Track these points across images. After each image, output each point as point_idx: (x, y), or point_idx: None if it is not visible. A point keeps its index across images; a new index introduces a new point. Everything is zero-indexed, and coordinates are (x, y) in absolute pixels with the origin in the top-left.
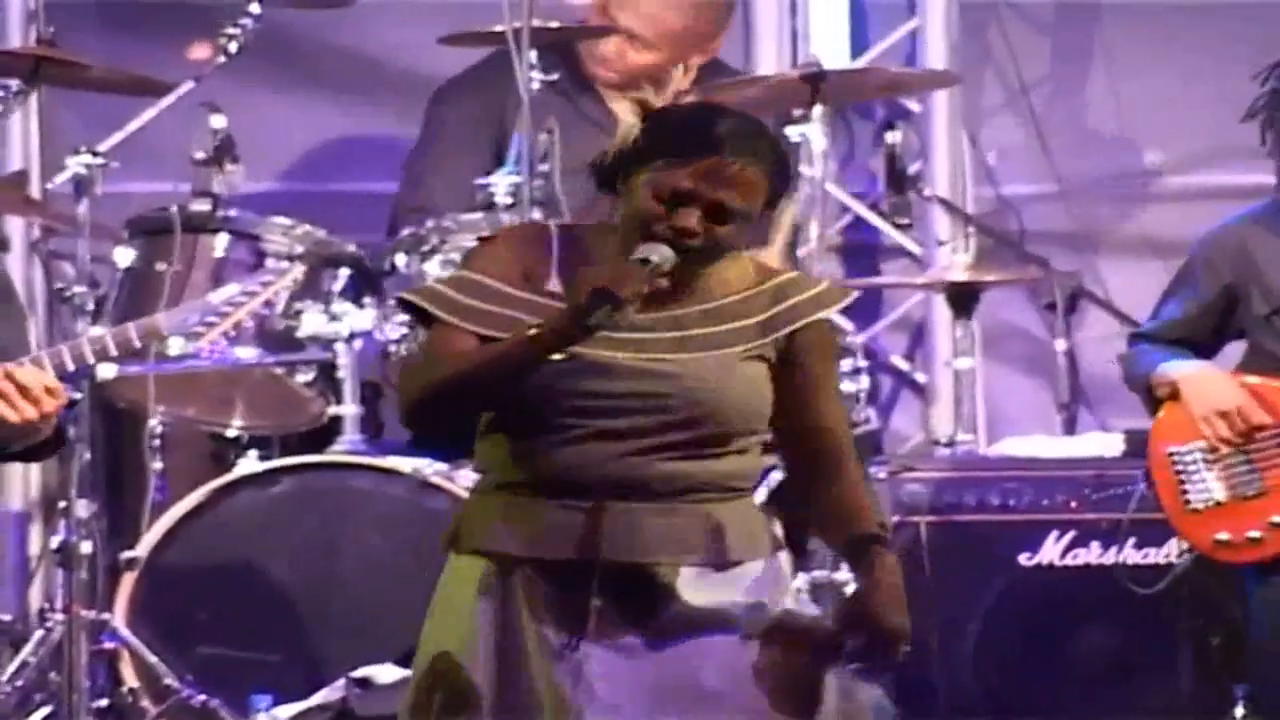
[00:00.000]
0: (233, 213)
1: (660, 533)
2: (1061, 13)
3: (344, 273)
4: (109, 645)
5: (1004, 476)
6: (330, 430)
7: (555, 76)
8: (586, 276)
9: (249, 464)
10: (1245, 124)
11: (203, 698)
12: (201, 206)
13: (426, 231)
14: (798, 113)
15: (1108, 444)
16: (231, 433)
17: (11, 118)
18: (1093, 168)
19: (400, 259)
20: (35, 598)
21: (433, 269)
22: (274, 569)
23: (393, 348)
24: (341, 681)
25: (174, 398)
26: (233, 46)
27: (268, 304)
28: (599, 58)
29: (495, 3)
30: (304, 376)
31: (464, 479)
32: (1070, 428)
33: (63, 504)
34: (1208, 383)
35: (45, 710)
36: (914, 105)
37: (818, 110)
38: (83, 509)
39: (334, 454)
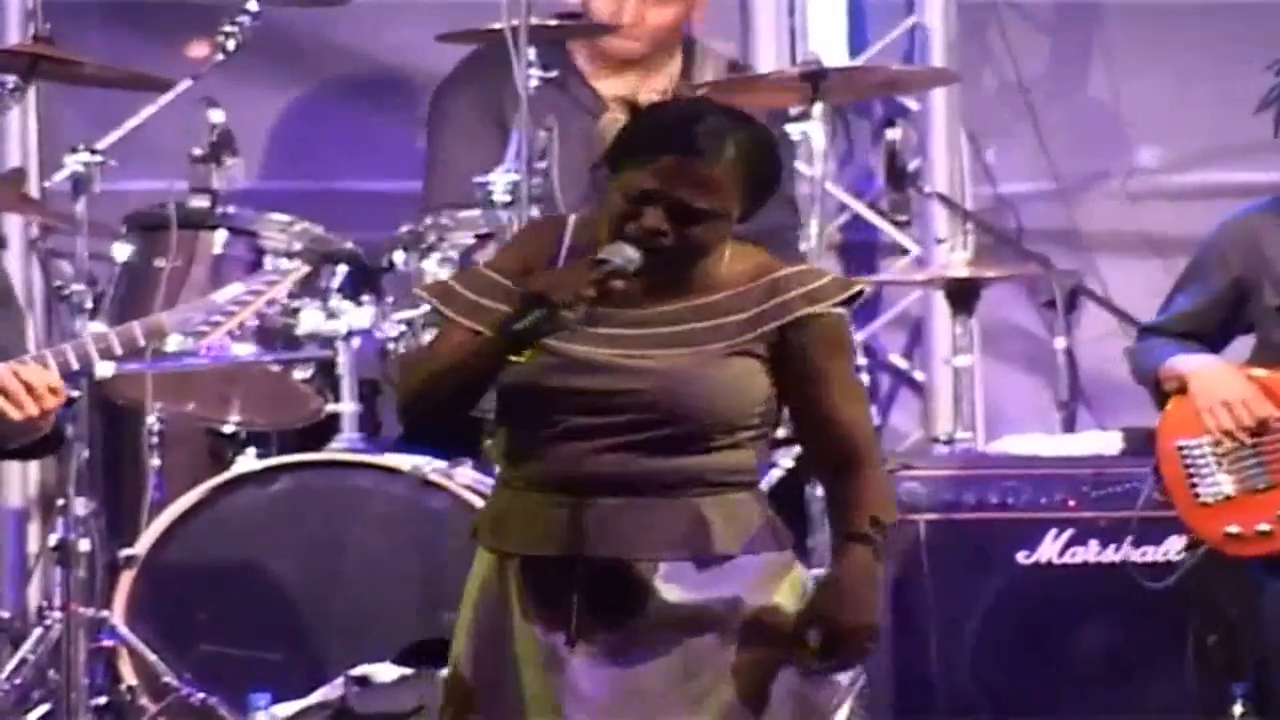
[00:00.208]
0: (231, 209)
1: (639, 529)
2: (1060, 11)
3: (342, 270)
4: (107, 643)
5: (1002, 474)
6: (328, 428)
7: (554, 74)
8: (530, 281)
9: (247, 462)
10: (1243, 123)
11: (201, 695)
12: (200, 203)
13: (424, 228)
14: (797, 111)
15: (1106, 442)
16: (230, 430)
17: (9, 115)
18: (1091, 166)
19: (398, 256)
20: (34, 595)
21: (430, 266)
22: (273, 567)
23: (391, 345)
24: (340, 679)
25: (172, 395)
26: (231, 44)
27: (270, 303)
28: (619, 33)
29: (493, 1)
30: (302, 374)
31: (463, 477)
32: (1069, 426)
33: (61, 502)
34: (1215, 376)
35: (44, 708)
36: (913, 103)
37: (817, 108)
38: (81, 507)
39: (332, 451)
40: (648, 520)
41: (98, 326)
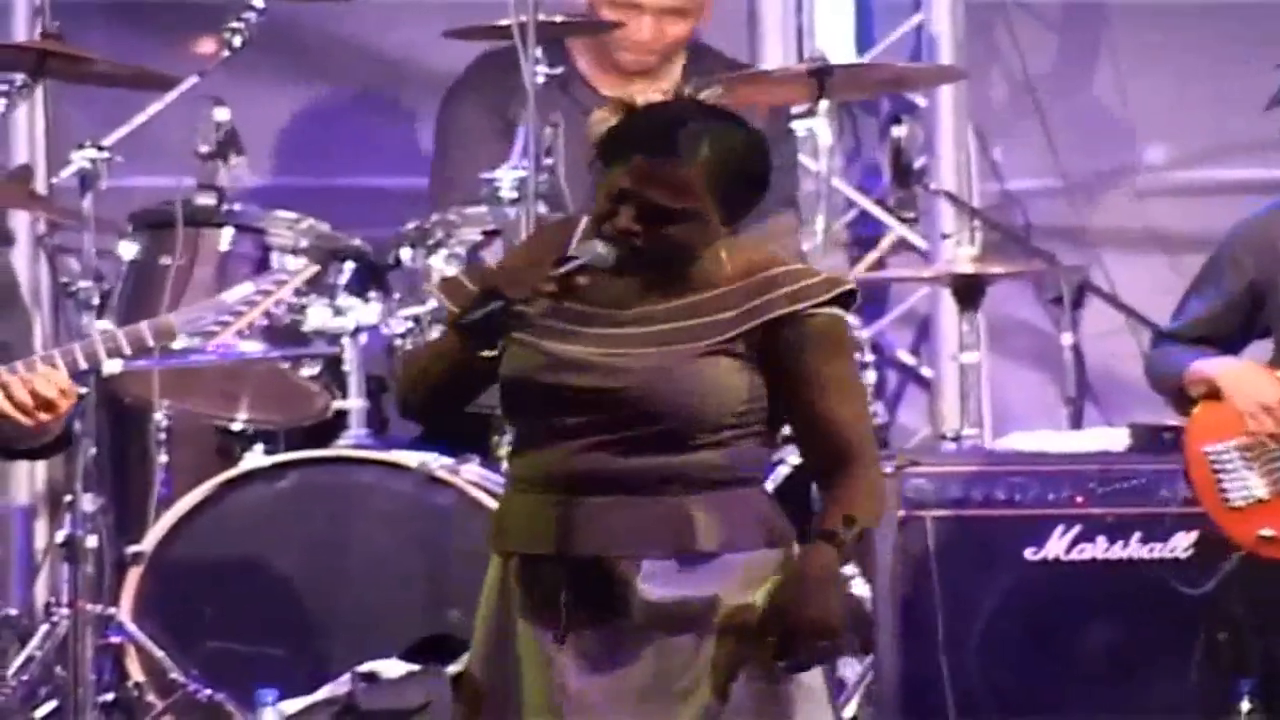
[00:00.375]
0: (237, 207)
1: (621, 527)
2: (1067, 9)
3: (349, 267)
4: (115, 640)
5: (1009, 471)
6: (335, 424)
7: (560, 70)
8: (489, 274)
9: (254, 458)
10: (1249, 120)
11: (208, 692)
12: (206, 200)
13: (431, 225)
14: (803, 108)
15: (1113, 438)
16: (237, 427)
17: (16, 112)
18: (1098, 163)
19: (405, 253)
20: (41, 592)
21: (438, 263)
22: (279, 563)
23: (398, 342)
24: (347, 676)
25: (179, 392)
26: (237, 41)
27: (278, 302)
28: (629, 44)
29: None
30: (309, 371)
31: (469, 473)
32: (1076, 422)
33: (68, 498)
34: (1249, 378)
35: (51, 704)
36: (919, 100)
37: (823, 105)
38: (88, 503)
39: (339, 448)
40: (630, 518)
41: (105, 324)
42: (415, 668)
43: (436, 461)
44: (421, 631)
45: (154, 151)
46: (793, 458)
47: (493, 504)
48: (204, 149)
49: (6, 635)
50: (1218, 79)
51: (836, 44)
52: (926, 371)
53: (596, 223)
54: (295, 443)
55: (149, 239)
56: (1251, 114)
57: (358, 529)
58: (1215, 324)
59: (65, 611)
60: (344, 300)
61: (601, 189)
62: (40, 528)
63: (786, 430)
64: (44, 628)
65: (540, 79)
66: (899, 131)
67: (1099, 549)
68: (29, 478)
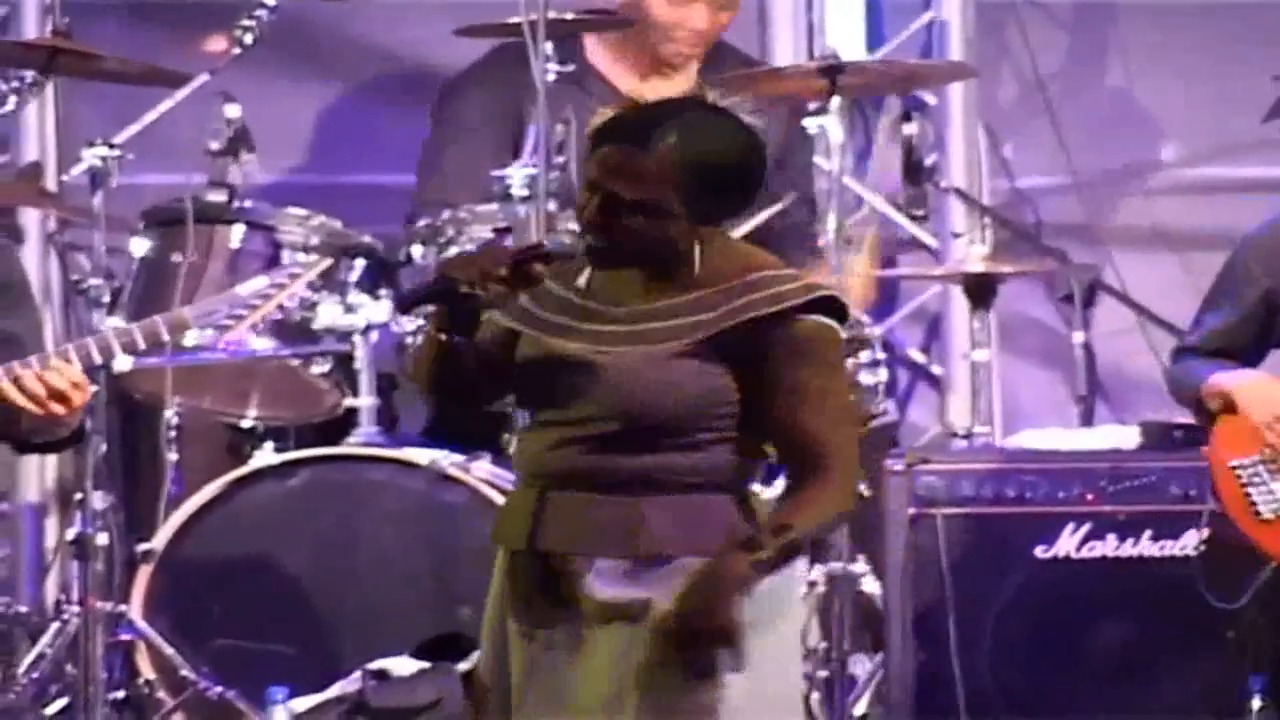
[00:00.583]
0: (248, 204)
1: (580, 524)
2: (1078, 8)
3: (360, 264)
4: (125, 637)
5: (1020, 469)
6: (346, 422)
7: (571, 68)
8: (448, 260)
9: (265, 456)
10: (1260, 119)
11: (219, 690)
12: (217, 198)
13: (442, 223)
14: (814, 105)
15: (1124, 436)
16: (247, 424)
17: (27, 109)
18: (1108, 161)
19: (416, 250)
20: (51, 590)
21: None
22: (290, 561)
23: (409, 339)
24: (358, 674)
25: (190, 390)
26: (248, 38)
27: (291, 296)
28: (683, 35)
29: None
30: (320, 368)
31: (480, 470)
32: (1086, 420)
33: (79, 496)
34: (1262, 390)
35: (62, 702)
36: (930, 98)
37: (835, 103)
38: (99, 501)
39: (350, 446)
40: (587, 516)
41: (116, 321)
42: (426, 665)
43: (447, 459)
44: (432, 629)
45: (165, 149)
46: None
47: (503, 501)
48: (215, 146)
49: (17, 633)
50: (1228, 78)
51: (848, 41)
52: (937, 369)
53: (577, 214)
54: (306, 440)
55: (160, 236)
56: (1262, 113)
57: (368, 527)
58: (1231, 336)
59: (76, 609)
60: (355, 297)
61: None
62: (51, 525)
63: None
64: (54, 625)
65: (551, 76)
66: (909, 129)
67: (1109, 547)
68: (39, 475)
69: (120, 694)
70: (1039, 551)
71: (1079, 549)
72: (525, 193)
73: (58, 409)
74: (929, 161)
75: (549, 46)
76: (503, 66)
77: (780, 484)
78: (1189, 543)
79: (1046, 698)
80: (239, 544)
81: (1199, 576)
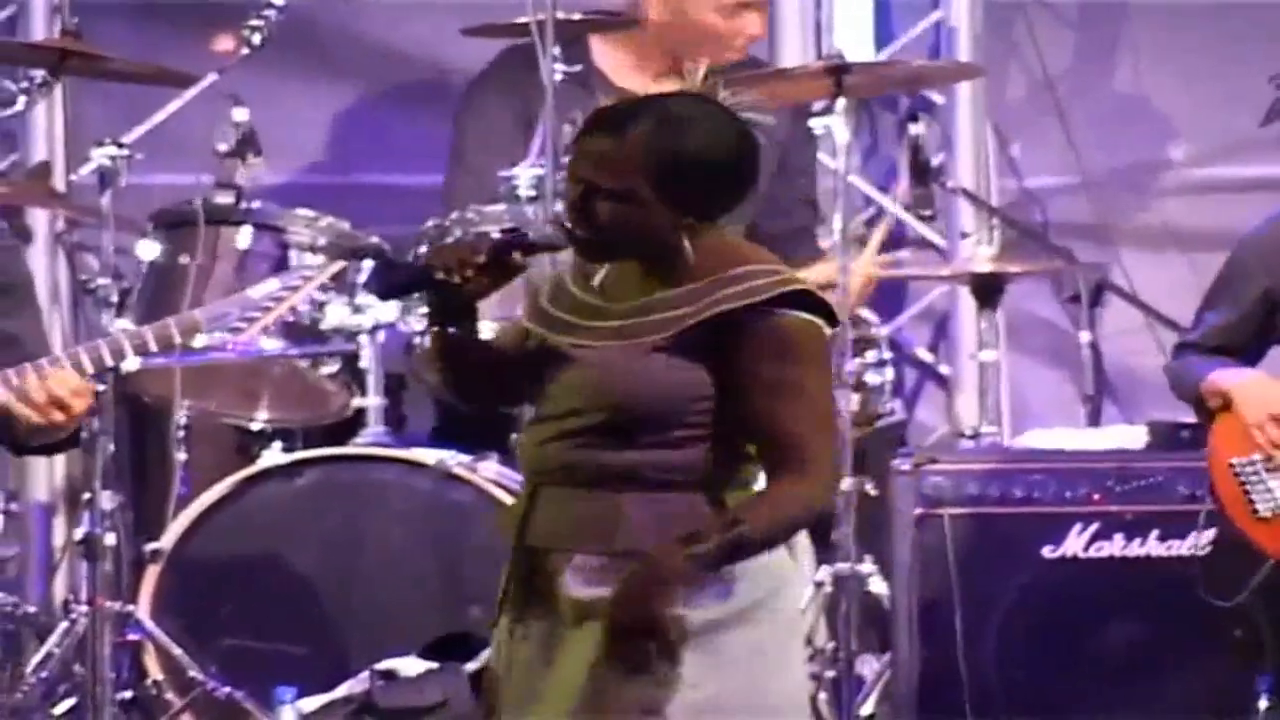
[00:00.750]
0: (256, 205)
1: (561, 520)
2: (1086, 7)
3: (368, 265)
4: (133, 637)
5: (1028, 469)
6: (354, 423)
7: (578, 68)
8: (433, 249)
9: (273, 456)
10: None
11: (227, 690)
12: (225, 199)
13: (450, 223)
14: (821, 105)
15: (1131, 436)
16: (256, 425)
17: (36, 110)
18: (1116, 160)
19: (424, 250)
20: (60, 589)
21: None
22: (298, 561)
23: (417, 340)
24: (365, 674)
25: (198, 390)
26: (256, 39)
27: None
28: (741, 42)
29: None
30: (328, 369)
31: (487, 470)
32: (1094, 420)
33: (87, 496)
34: (1258, 390)
35: (69, 702)
36: (938, 98)
37: (841, 103)
38: (107, 501)
39: (358, 446)
40: (570, 512)
41: (124, 322)
42: (433, 665)
43: (455, 459)
44: (440, 629)
45: (173, 149)
46: None
47: (511, 501)
48: (223, 147)
49: (25, 632)
50: (1237, 77)
51: (855, 41)
52: (945, 369)
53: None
54: (314, 441)
55: (168, 237)
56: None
57: (376, 527)
58: (1231, 334)
59: (84, 609)
60: (362, 298)
61: None
62: (59, 525)
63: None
64: (63, 625)
65: (559, 77)
66: (916, 129)
67: (1117, 546)
68: (48, 475)
69: (128, 694)
70: (1046, 551)
71: (1086, 549)
72: (533, 193)
73: (59, 416)
74: (936, 161)
75: (556, 47)
76: (515, 68)
77: None
78: (1196, 542)
79: (1053, 697)
80: (247, 544)
81: (1198, 575)
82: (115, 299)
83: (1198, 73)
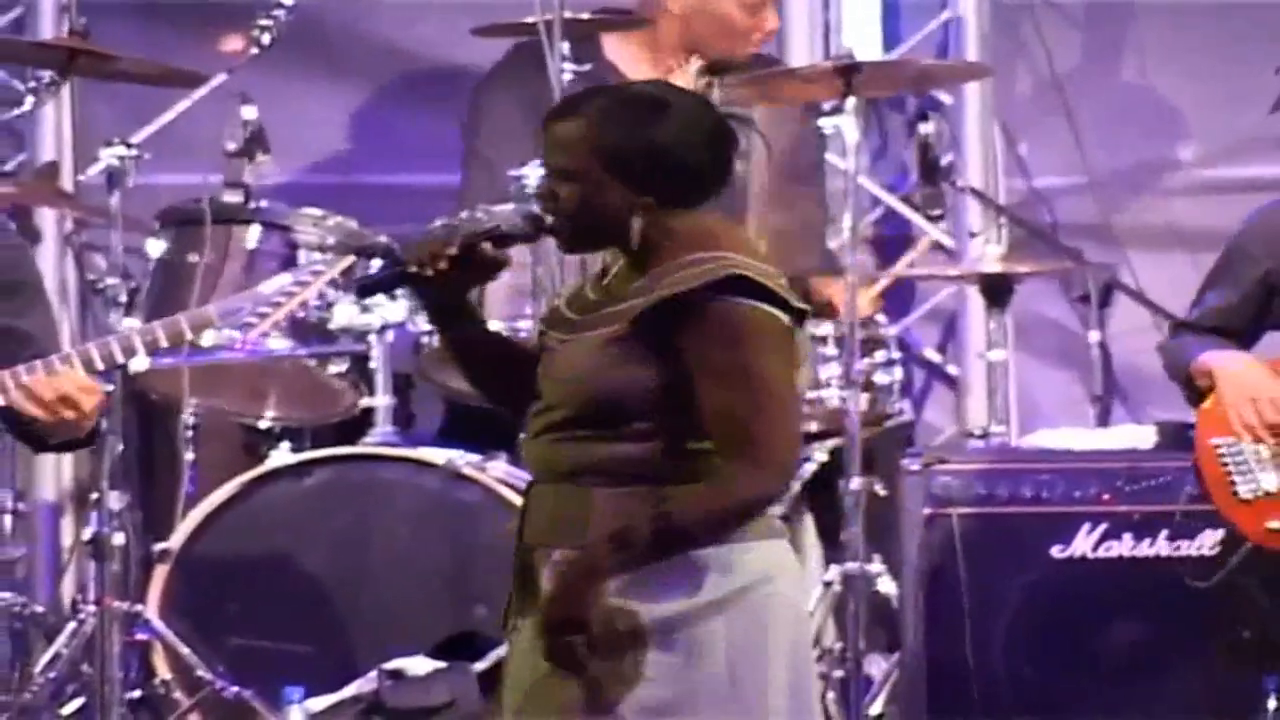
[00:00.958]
0: (264, 204)
1: (542, 516)
2: (1094, 6)
3: (376, 264)
4: (141, 637)
5: (1036, 468)
6: (362, 422)
7: (588, 67)
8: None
9: (281, 456)
10: (1276, 117)
11: (235, 689)
12: (233, 198)
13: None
14: (830, 105)
15: (1140, 436)
16: (264, 424)
17: (44, 109)
18: (1125, 160)
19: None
20: (68, 589)
21: None
22: (306, 561)
23: (425, 339)
24: (374, 673)
25: (207, 389)
26: (265, 38)
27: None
28: (761, 37)
29: None
30: (336, 368)
31: (496, 470)
32: (1103, 420)
33: (95, 495)
34: (1242, 372)
35: (78, 702)
36: (946, 97)
37: (850, 102)
38: (115, 500)
39: (366, 446)
40: (548, 508)
41: (133, 321)
42: (441, 665)
43: (463, 458)
44: (448, 629)
45: (181, 149)
46: (820, 454)
47: (518, 500)
48: (231, 146)
49: (34, 633)
50: (1244, 76)
51: (863, 41)
52: (953, 369)
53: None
54: (322, 440)
55: (176, 237)
56: None
57: (384, 526)
58: (1229, 315)
59: (92, 609)
60: (376, 297)
61: None
62: (67, 525)
63: (813, 427)
64: (71, 625)
65: (568, 76)
66: (925, 129)
67: (1125, 546)
68: (56, 475)
69: (136, 694)
70: (1055, 551)
71: (1095, 549)
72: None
73: (68, 414)
74: (945, 161)
75: (565, 46)
76: (525, 65)
77: (793, 484)
78: (1206, 543)
79: (1061, 697)
80: (255, 544)
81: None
82: (123, 299)
83: (1205, 72)
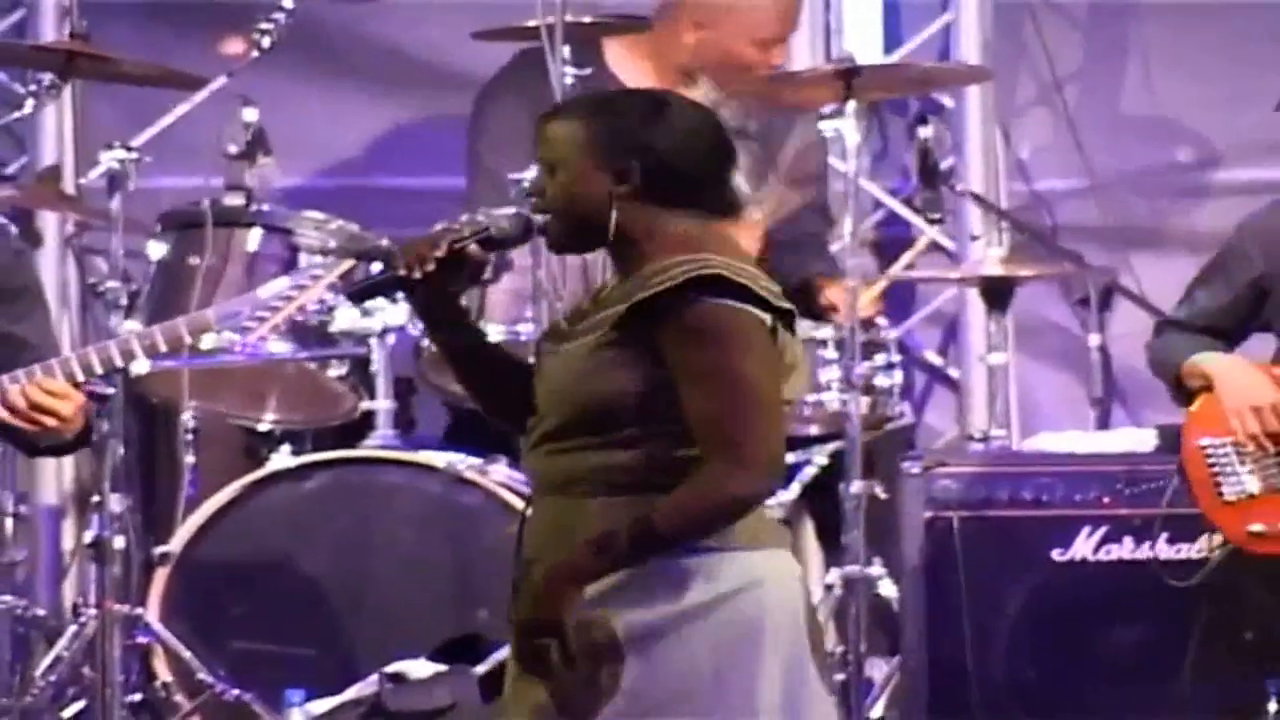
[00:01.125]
0: (265, 207)
1: (538, 528)
2: (1095, 8)
3: (377, 267)
4: (142, 640)
5: (1037, 472)
6: (363, 425)
7: (588, 71)
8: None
9: (282, 459)
10: (1277, 120)
11: (236, 692)
12: (234, 201)
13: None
14: (831, 108)
15: (1141, 439)
16: (264, 428)
17: (45, 112)
18: (1125, 163)
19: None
20: (69, 593)
21: None
22: (307, 564)
23: (425, 342)
24: (375, 676)
25: (207, 392)
26: (266, 41)
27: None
28: (762, 72)
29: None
30: (337, 371)
31: (497, 474)
32: (1103, 423)
33: (96, 499)
34: (1242, 377)
35: (79, 705)
36: (947, 100)
37: (851, 105)
38: (116, 504)
39: (367, 449)
40: (546, 520)
41: (133, 324)
42: (443, 668)
43: (464, 462)
44: (449, 632)
45: (182, 152)
46: (820, 458)
47: (520, 504)
48: (232, 149)
49: (34, 636)
50: (1247, 78)
51: (864, 44)
52: (954, 372)
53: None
54: (322, 443)
55: (177, 239)
56: None
57: (385, 529)
58: (1219, 315)
59: (93, 612)
60: (371, 301)
61: None
62: (68, 528)
63: (814, 430)
64: (72, 628)
65: (569, 80)
66: (926, 132)
67: (1126, 549)
68: (56, 478)
69: (137, 697)
70: (1055, 554)
71: (1095, 552)
72: None
73: (48, 422)
74: (946, 164)
75: (566, 51)
76: (527, 71)
77: (793, 488)
78: (1203, 545)
79: (1062, 700)
80: (256, 547)
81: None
82: (124, 302)
83: (1207, 75)
